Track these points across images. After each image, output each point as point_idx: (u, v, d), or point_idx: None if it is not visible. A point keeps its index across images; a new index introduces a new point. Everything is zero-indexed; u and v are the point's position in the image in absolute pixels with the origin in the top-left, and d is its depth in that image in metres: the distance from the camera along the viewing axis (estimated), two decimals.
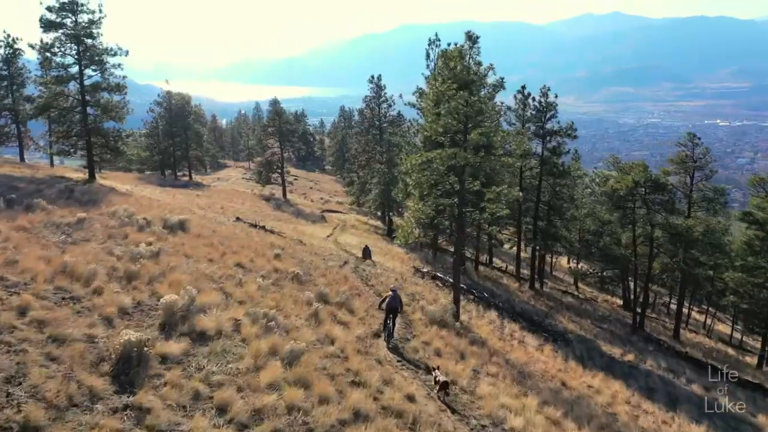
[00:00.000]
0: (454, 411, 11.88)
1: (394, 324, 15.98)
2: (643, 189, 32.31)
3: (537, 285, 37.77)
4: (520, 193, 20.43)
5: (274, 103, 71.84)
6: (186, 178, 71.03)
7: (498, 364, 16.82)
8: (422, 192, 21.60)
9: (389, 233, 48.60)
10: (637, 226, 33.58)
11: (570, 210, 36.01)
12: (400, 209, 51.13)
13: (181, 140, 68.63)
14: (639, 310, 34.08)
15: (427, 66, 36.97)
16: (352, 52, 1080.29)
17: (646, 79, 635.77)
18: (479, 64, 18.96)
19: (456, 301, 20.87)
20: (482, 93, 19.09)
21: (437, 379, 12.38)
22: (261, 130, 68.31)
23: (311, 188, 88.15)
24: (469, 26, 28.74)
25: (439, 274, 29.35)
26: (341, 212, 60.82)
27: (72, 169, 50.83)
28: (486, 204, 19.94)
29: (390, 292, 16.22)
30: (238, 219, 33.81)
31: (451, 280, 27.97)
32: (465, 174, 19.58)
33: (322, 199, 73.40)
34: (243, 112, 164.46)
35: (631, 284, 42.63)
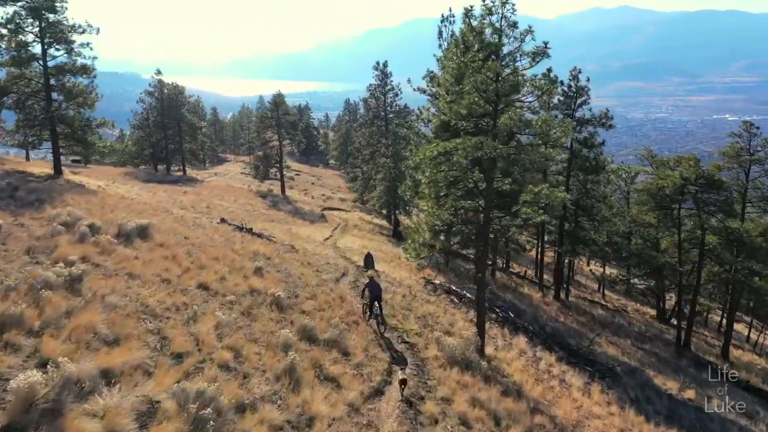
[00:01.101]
0: None
1: (381, 308, 16.74)
2: (694, 187, 27.73)
3: (562, 295, 33.33)
4: (567, 195, 15.88)
5: (277, 96, 67.49)
6: (180, 173, 66.87)
7: (543, 426, 12.45)
8: (438, 192, 17.13)
9: (395, 234, 44.22)
10: (682, 229, 28.99)
11: (601, 210, 31.39)
12: (407, 207, 46.63)
13: (174, 133, 64.39)
14: (683, 325, 29.60)
15: (440, 46, 32.45)
16: (360, 46, 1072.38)
17: (655, 73, 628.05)
18: (514, 25, 14.44)
19: (481, 332, 16.42)
20: (518, 64, 14.54)
21: None
22: (259, 121, 63.67)
23: (313, 184, 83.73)
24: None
25: (454, 288, 24.88)
26: (343, 210, 56.35)
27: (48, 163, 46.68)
28: (520, 207, 15.50)
29: (367, 279, 17.34)
30: (222, 221, 29.48)
31: (468, 295, 23.62)
32: (495, 170, 15.11)
33: (323, 195, 68.91)
34: (246, 105, 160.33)
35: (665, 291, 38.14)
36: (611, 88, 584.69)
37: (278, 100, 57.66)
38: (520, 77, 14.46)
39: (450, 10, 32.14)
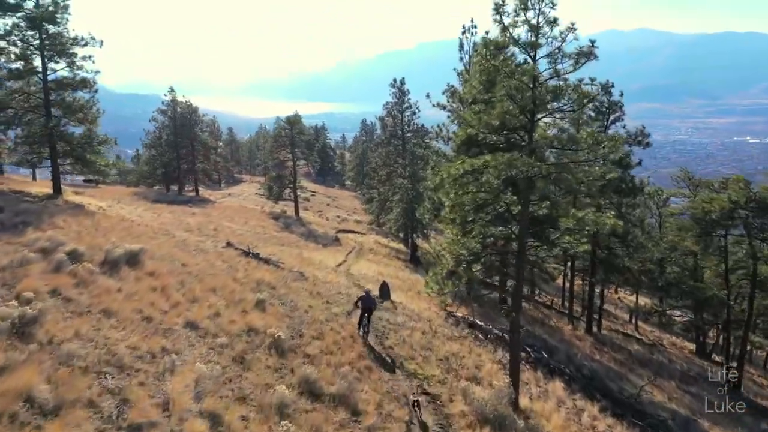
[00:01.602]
0: None
1: (369, 321, 17.13)
2: (745, 211, 25.19)
3: (594, 327, 30.73)
4: (620, 223, 13.57)
5: (293, 115, 65.93)
6: (192, 194, 65.45)
7: None
8: (464, 217, 14.92)
9: (413, 259, 41.93)
10: (730, 257, 26.37)
11: (637, 236, 28.82)
12: (425, 231, 44.37)
13: (187, 152, 63.09)
14: (732, 364, 26.83)
15: (461, 59, 30.51)
16: (377, 67, 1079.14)
17: (674, 95, 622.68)
18: (553, 22, 12.36)
19: (515, 381, 14.04)
20: (560, 66, 12.40)
21: None
22: (273, 140, 61.99)
23: (328, 205, 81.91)
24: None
25: (478, 322, 22.46)
26: (359, 233, 54.20)
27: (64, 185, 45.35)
28: (561, 236, 13.24)
29: (363, 293, 17.78)
30: (228, 244, 27.48)
31: (495, 331, 21.22)
32: (532, 191, 12.89)
33: (338, 217, 66.92)
34: (263, 126, 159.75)
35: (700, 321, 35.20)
36: (629, 110, 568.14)
37: (293, 119, 56.04)
38: (561, 82, 12.31)
39: (472, 21, 30.31)
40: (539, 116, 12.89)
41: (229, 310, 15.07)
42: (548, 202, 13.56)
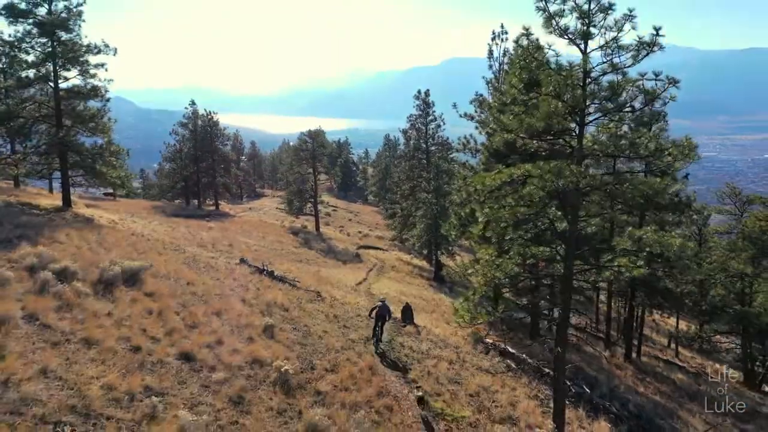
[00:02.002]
0: None
1: (382, 331, 17.54)
2: None
3: (633, 353, 28.39)
4: (690, 244, 11.57)
5: (316, 130, 64.81)
6: (212, 207, 64.56)
7: None
8: (501, 234, 13.06)
9: (436, 277, 39.99)
10: None
11: (682, 257, 26.43)
12: (450, 248, 42.33)
13: (208, 166, 62.25)
14: None
15: (490, 67, 28.75)
16: (401, 84, 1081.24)
17: (701, 112, 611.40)
18: (608, 8, 10.58)
19: (560, 426, 12.04)
20: (616, 60, 10.58)
21: None
22: (293, 154, 60.65)
23: (350, 220, 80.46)
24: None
25: (510, 349, 20.38)
26: (381, 249, 52.47)
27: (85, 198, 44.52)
28: (614, 258, 11.31)
29: (379, 303, 18.02)
30: (241, 261, 25.93)
31: (529, 360, 19.17)
32: (584, 204, 11.02)
33: (360, 233, 65.26)
34: (287, 141, 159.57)
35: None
36: (656, 127, 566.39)
37: (315, 132, 54.77)
38: (619, 76, 10.49)
39: (502, 26, 28.56)
40: (590, 118, 11.05)
41: (232, 337, 13.41)
42: (597, 219, 11.66)
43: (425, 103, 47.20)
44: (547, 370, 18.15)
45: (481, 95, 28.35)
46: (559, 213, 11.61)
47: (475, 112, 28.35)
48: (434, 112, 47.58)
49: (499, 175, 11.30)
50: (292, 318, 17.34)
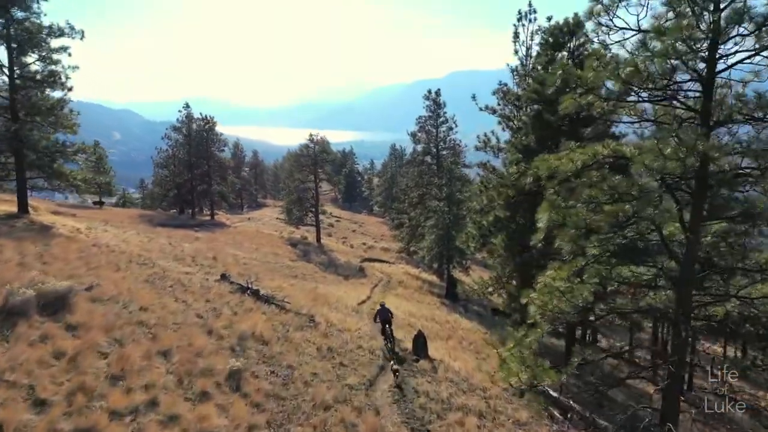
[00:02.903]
0: None
1: (392, 331, 18.25)
2: None
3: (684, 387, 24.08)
4: None
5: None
6: (209, 217, 60.70)
7: None
8: (576, 246, 8.87)
9: (449, 294, 35.81)
10: None
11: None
12: (464, 262, 38.01)
13: (203, 172, 58.40)
14: None
15: (515, 52, 24.82)
16: (407, 97, 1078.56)
17: None
18: None
19: None
20: None
21: None
22: (293, 160, 56.38)
23: (354, 231, 76.35)
24: None
25: (574, 404, 15.74)
26: (386, 262, 48.19)
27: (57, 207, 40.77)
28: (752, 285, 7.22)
29: (379, 307, 19.33)
30: (223, 277, 21.86)
31: (603, 422, 14.77)
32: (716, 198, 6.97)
33: (364, 244, 61.09)
34: (291, 150, 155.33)
35: None
36: None
37: (314, 135, 50.68)
38: None
39: (530, 4, 24.55)
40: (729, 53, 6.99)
41: (175, 393, 9.36)
42: (724, 224, 7.60)
43: (436, 104, 43.30)
44: (604, 424, 13.91)
45: (505, 85, 24.41)
46: (669, 212, 7.60)
47: (498, 104, 24.35)
48: (445, 113, 43.66)
49: (576, 155, 7.23)
50: (271, 355, 13.25)
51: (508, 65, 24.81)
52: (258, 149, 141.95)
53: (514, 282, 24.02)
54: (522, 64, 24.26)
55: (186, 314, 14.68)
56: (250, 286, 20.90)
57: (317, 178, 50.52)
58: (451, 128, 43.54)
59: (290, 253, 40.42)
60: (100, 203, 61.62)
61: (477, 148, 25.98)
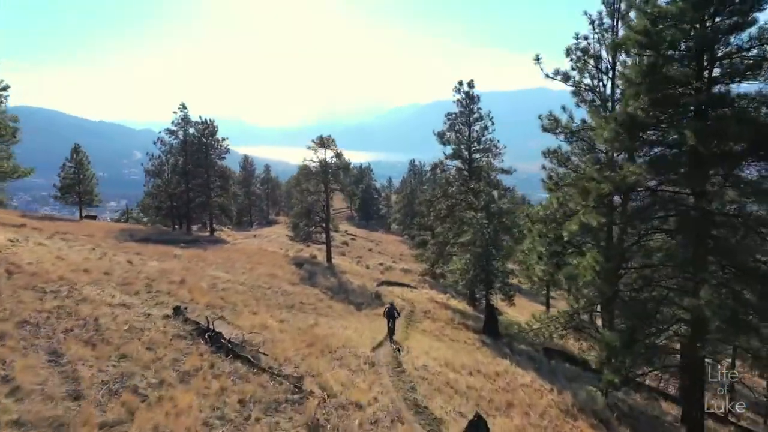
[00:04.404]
0: None
1: (394, 326, 20.42)
2: None
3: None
4: None
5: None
6: (208, 233, 54.05)
7: None
8: None
9: (488, 329, 28.27)
10: None
11: None
12: (507, 288, 30.19)
13: (203, 183, 51.76)
14: None
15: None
16: (425, 117, 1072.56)
17: None
18: None
19: None
20: None
21: None
22: (301, 168, 48.87)
23: (370, 250, 69.15)
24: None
25: None
26: (408, 286, 40.58)
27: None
28: None
29: (387, 306, 21.21)
30: (176, 312, 14.78)
31: None
32: None
33: (381, 265, 53.69)
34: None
35: None
36: None
37: (324, 140, 43.61)
38: None
39: None
40: None
41: None
42: None
43: (468, 98, 36.17)
44: None
45: (584, 37, 17.23)
46: None
47: (574, 66, 17.21)
48: (480, 109, 36.49)
49: None
50: None
51: (585, 12, 17.72)
52: (276, 168, 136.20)
53: (600, 321, 16.81)
54: (611, 5, 17.16)
55: (54, 388, 7.63)
56: (211, 326, 13.80)
57: (328, 187, 43.49)
58: (486, 127, 36.36)
59: (292, 274, 33.26)
60: (92, 217, 55.46)
61: (545, 129, 18.57)
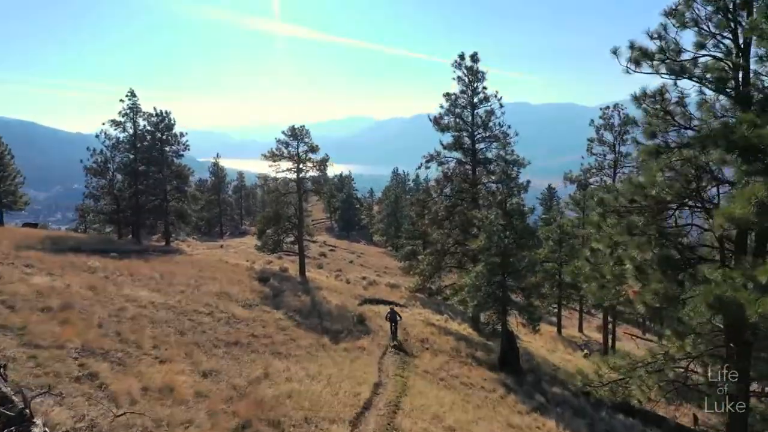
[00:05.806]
0: None
1: (396, 328, 21.82)
2: None
3: None
4: None
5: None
6: (163, 243, 46.47)
7: None
8: None
9: (504, 363, 21.31)
10: None
11: None
12: (531, 309, 22.71)
13: (156, 183, 44.25)
14: None
15: None
16: (407, 131, 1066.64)
17: None
18: None
19: None
20: None
21: None
22: (270, 158, 39.82)
23: (351, 262, 61.93)
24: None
25: None
26: (397, 304, 33.15)
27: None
28: None
29: (389, 312, 22.64)
30: None
31: None
32: None
33: (364, 279, 46.28)
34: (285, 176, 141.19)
35: None
36: None
37: (297, 131, 36.42)
38: None
39: None
40: None
41: None
42: None
43: (472, 73, 29.39)
44: None
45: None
46: None
47: (661, 41, 10.48)
48: (485, 89, 29.79)
49: None
50: None
51: None
52: (255, 181, 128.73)
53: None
54: None
55: None
56: (26, 410, 6.63)
57: (301, 186, 36.39)
58: (492, 111, 29.62)
59: (251, 293, 25.92)
60: (33, 225, 47.70)
61: (625, 122, 11.19)
